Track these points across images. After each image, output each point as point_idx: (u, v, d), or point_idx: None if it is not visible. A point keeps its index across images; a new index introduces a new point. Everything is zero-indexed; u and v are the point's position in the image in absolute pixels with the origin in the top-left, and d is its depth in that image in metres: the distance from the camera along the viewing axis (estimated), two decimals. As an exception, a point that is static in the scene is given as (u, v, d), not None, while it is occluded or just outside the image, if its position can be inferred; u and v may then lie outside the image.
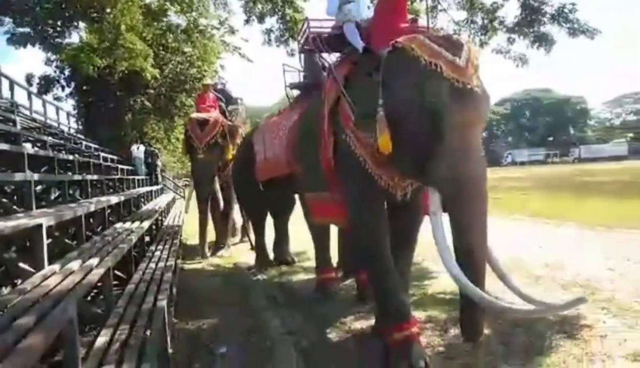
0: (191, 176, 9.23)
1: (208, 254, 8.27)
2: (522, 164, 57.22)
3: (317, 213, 4.57)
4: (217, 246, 8.73)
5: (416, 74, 2.87)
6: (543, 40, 7.36)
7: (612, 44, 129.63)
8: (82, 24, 11.64)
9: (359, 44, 3.83)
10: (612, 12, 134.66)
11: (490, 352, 3.37)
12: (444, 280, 5.29)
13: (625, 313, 3.99)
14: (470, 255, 2.78)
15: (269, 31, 10.04)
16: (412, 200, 3.60)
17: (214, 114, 8.34)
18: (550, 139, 65.81)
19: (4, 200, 4.71)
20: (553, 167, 46.00)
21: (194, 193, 8.49)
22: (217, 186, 8.21)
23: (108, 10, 10.40)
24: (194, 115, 8.46)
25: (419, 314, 4.02)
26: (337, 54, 4.30)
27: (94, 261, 3.41)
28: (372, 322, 3.96)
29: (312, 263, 6.16)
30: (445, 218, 2.88)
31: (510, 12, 8.21)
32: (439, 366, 3.24)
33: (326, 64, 4.30)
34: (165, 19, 13.70)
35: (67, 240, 4.64)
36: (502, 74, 23.78)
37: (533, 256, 6.27)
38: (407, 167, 3.10)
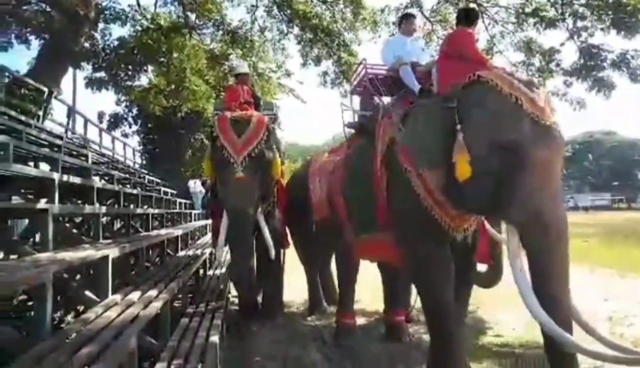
0: (216, 205, 5.46)
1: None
2: (586, 209, 54.13)
3: (367, 254, 4.47)
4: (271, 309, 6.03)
5: (497, 105, 2.82)
6: (602, 85, 7.19)
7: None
8: (150, 68, 12.57)
9: (416, 86, 3.88)
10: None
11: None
12: (498, 331, 5.07)
13: None
14: (556, 302, 2.64)
15: (324, 74, 10.43)
16: (472, 243, 3.53)
17: (255, 113, 5.41)
18: (616, 183, 62.13)
19: (74, 230, 5.05)
20: (620, 213, 43.09)
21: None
22: (262, 219, 5.09)
23: (175, 54, 11.15)
24: (227, 113, 5.27)
25: (474, 366, 3.85)
26: (389, 97, 4.37)
27: (153, 293, 3.56)
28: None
29: (361, 305, 6.09)
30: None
31: (568, 55, 8.07)
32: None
33: (381, 105, 4.32)
34: (227, 63, 14.49)
35: (127, 270, 4.86)
36: (561, 116, 22.91)
37: (597, 309, 5.83)
38: (477, 201, 2.95)
